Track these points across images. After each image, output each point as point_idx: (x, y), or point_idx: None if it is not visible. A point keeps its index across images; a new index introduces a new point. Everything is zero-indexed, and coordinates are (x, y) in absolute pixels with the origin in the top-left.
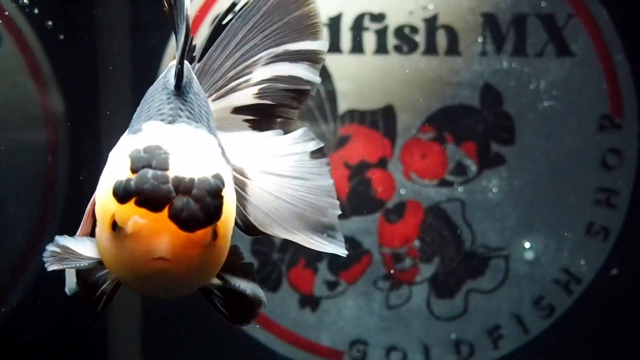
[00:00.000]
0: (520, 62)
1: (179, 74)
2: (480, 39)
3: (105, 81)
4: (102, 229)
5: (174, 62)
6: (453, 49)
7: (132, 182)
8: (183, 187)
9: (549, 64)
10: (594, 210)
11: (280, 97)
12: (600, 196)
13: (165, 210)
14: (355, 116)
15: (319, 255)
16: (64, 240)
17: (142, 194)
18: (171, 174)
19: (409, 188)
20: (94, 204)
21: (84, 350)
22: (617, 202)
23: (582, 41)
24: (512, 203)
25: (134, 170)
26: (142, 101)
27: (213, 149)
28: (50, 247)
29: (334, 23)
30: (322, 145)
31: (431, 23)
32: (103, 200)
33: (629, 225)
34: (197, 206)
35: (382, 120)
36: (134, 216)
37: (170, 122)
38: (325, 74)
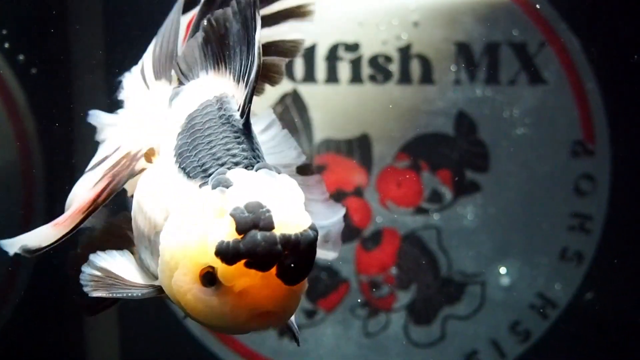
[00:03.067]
0: (493, 90)
1: (248, 110)
2: (453, 68)
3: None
4: (188, 281)
5: (226, 92)
6: (427, 77)
7: (242, 245)
8: (290, 245)
9: (522, 92)
10: (568, 235)
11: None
12: (574, 222)
13: (273, 268)
14: (330, 145)
15: None
16: (100, 260)
17: (254, 258)
18: (277, 232)
19: (385, 216)
20: (88, 201)
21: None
22: (591, 227)
23: (554, 69)
24: (487, 229)
25: (240, 232)
26: (189, 130)
27: (299, 195)
28: (88, 271)
29: (309, 53)
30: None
31: (405, 52)
32: (189, 252)
33: (602, 250)
34: (303, 261)
35: (357, 149)
36: (243, 276)
37: (249, 167)
38: (300, 103)
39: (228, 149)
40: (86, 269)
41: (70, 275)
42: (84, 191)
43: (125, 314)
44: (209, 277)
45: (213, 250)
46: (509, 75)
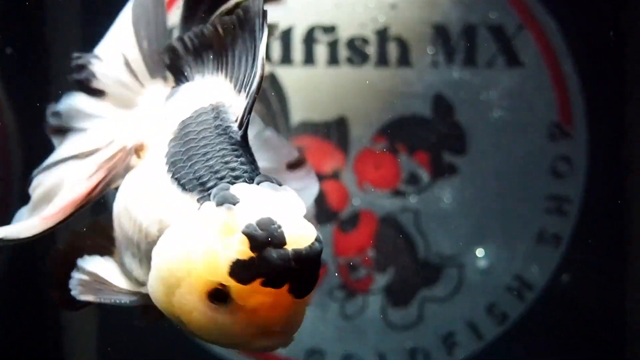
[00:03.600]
0: (470, 72)
1: (247, 122)
2: (431, 50)
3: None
4: (194, 299)
5: (223, 101)
6: (404, 60)
7: (258, 264)
8: (302, 260)
9: (499, 74)
10: (545, 217)
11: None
12: (551, 204)
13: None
14: (308, 128)
15: None
16: (88, 264)
17: (270, 276)
18: (289, 247)
19: (362, 198)
20: (82, 194)
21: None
22: (568, 209)
23: (531, 51)
24: (464, 212)
25: (254, 250)
26: (182, 137)
27: (302, 206)
28: (77, 275)
29: (286, 35)
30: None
31: (382, 35)
32: (196, 270)
33: (579, 232)
34: (313, 274)
35: (334, 131)
36: (257, 294)
37: (249, 181)
38: (277, 86)
39: (226, 162)
40: (75, 274)
41: (53, 272)
42: (75, 182)
43: (104, 311)
44: (218, 295)
45: (226, 269)
46: (487, 58)
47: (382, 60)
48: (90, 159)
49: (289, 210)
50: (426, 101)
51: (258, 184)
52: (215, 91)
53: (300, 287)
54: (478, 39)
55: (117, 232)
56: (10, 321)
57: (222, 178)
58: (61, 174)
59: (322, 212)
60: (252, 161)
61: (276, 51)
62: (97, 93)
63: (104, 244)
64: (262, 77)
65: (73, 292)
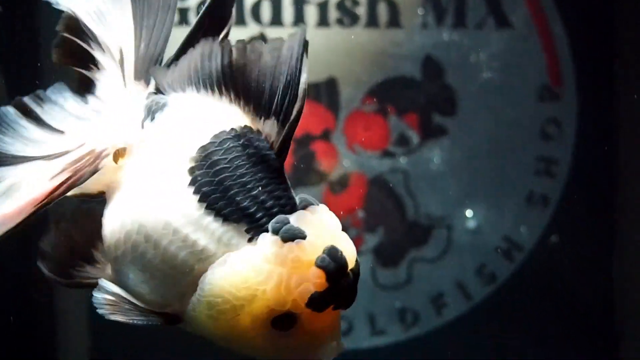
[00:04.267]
0: (460, 34)
1: (287, 151)
2: (421, 11)
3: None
4: (258, 326)
5: (248, 126)
6: (394, 21)
7: (331, 293)
8: (357, 279)
9: (489, 36)
10: (534, 179)
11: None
12: (540, 165)
13: None
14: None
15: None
16: (110, 285)
17: (341, 302)
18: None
19: (352, 160)
20: (43, 194)
21: (31, 350)
22: (556, 171)
23: (521, 13)
24: (453, 173)
25: (329, 281)
26: (210, 166)
27: (338, 222)
28: (100, 295)
29: None
30: None
31: None
32: (263, 300)
33: (567, 194)
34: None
35: (325, 92)
36: (323, 317)
37: (304, 208)
38: None
39: (270, 191)
40: (97, 294)
41: (41, 252)
42: (37, 182)
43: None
44: (284, 322)
45: (303, 301)
46: (476, 20)
47: (372, 21)
48: (58, 161)
49: (337, 232)
50: (416, 63)
51: (304, 208)
52: (230, 114)
53: (349, 303)
54: (468, 0)
55: (117, 251)
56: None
57: (269, 208)
58: (27, 171)
59: (312, 174)
60: (290, 186)
61: (266, 12)
62: (88, 85)
63: (93, 230)
64: (302, 107)
65: (101, 312)
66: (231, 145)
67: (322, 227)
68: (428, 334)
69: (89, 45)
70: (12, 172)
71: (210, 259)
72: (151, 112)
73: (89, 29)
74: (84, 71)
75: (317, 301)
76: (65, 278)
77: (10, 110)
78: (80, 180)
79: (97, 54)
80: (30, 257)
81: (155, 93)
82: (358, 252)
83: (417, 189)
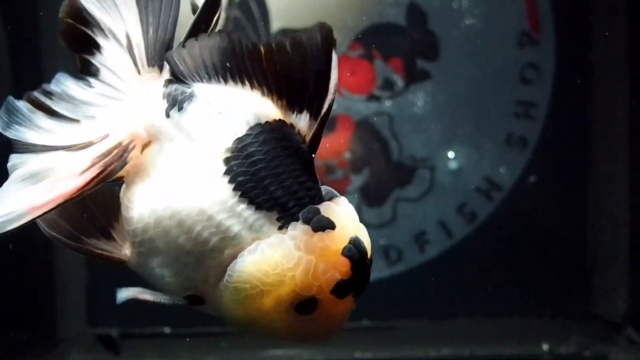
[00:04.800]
0: None
1: (318, 144)
2: None
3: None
4: (282, 309)
5: (283, 120)
6: None
7: (355, 281)
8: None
9: None
10: (513, 122)
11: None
12: (519, 109)
13: None
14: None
15: None
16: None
17: (360, 289)
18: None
19: (339, 103)
20: (74, 188)
21: (31, 320)
22: (535, 114)
23: None
24: (436, 116)
25: (353, 270)
26: (245, 157)
27: (355, 213)
28: (125, 293)
29: None
30: None
31: None
32: (290, 285)
33: (545, 136)
34: None
35: None
36: (342, 303)
37: (329, 199)
38: None
39: (301, 182)
40: (121, 293)
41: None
42: (67, 176)
43: (92, 280)
44: (306, 306)
45: (328, 288)
46: None
47: None
48: (84, 153)
49: (358, 223)
50: (401, 9)
51: (329, 199)
52: (264, 108)
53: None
54: None
55: (145, 234)
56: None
57: (300, 198)
58: (51, 161)
59: None
60: (317, 177)
61: None
62: (93, 71)
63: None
64: (332, 102)
65: (129, 293)
66: (267, 137)
67: (347, 219)
68: (411, 271)
69: (92, 30)
70: (34, 159)
71: (241, 245)
72: (178, 102)
73: (90, 14)
74: (87, 56)
75: (341, 288)
76: (74, 241)
77: (22, 104)
78: (110, 176)
79: (100, 39)
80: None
81: (172, 80)
82: (345, 193)
83: (401, 132)
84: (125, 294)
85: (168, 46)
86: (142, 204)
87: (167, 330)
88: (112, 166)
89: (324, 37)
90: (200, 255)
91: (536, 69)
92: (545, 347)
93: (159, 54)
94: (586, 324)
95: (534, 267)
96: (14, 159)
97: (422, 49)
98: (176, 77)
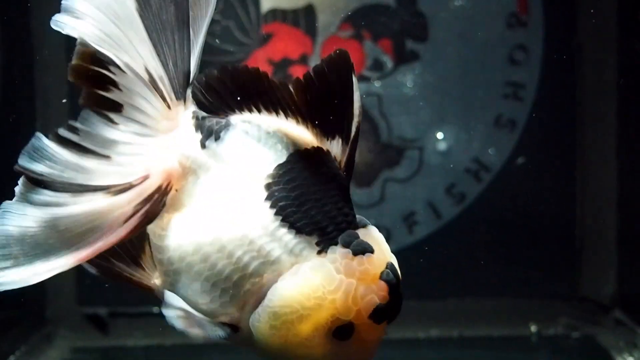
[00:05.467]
0: None
1: (352, 169)
2: None
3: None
4: (320, 335)
5: (320, 146)
6: None
7: (391, 306)
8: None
9: None
10: (502, 103)
11: None
12: (508, 90)
13: None
14: (277, 14)
15: None
16: (173, 298)
17: (394, 316)
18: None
19: None
20: (118, 238)
21: (20, 299)
22: (524, 95)
23: None
24: (425, 97)
25: (391, 295)
26: (287, 182)
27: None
28: (172, 311)
29: None
30: None
31: None
32: (329, 310)
33: (534, 117)
34: None
35: (303, 18)
36: (378, 328)
37: (364, 226)
38: None
39: (339, 208)
40: (168, 310)
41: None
42: (111, 226)
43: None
44: (343, 331)
45: (367, 312)
46: None
47: None
48: (125, 198)
49: (389, 250)
50: None
51: (364, 226)
52: (300, 135)
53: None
54: None
55: (181, 262)
56: None
57: (339, 224)
58: (92, 205)
59: None
60: (352, 203)
61: None
62: (115, 108)
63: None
64: (359, 124)
65: (177, 326)
66: (306, 164)
67: (382, 244)
68: (399, 251)
69: (107, 68)
70: (72, 200)
71: (281, 270)
72: (214, 132)
73: (103, 54)
74: (101, 92)
75: (379, 313)
76: (105, 263)
77: (48, 142)
78: (152, 220)
79: (117, 77)
80: None
81: (201, 113)
82: None
83: (390, 112)
84: (175, 323)
85: (188, 78)
86: (179, 233)
87: (155, 309)
88: (153, 212)
89: (343, 63)
90: (240, 281)
91: (525, 50)
92: (533, 328)
93: (183, 86)
94: (574, 305)
95: (523, 248)
96: (49, 196)
97: (412, 30)
98: (205, 109)
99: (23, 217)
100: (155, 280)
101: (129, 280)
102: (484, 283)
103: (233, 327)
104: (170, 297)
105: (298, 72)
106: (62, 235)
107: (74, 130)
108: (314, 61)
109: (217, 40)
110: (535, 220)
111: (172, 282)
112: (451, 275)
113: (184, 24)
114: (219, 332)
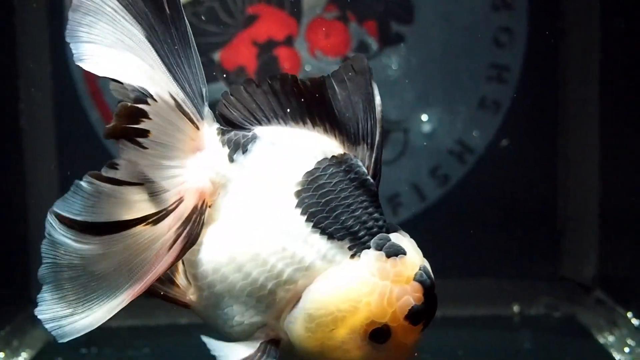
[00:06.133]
0: None
1: (380, 174)
2: None
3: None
4: (357, 338)
5: (346, 153)
6: None
7: (427, 307)
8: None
9: None
10: (486, 85)
11: None
12: (492, 72)
13: None
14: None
15: None
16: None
17: (430, 318)
18: None
19: (314, 65)
20: (166, 266)
21: (4, 280)
22: (508, 78)
23: None
24: (410, 79)
25: (425, 296)
26: (316, 189)
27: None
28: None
29: None
30: None
31: None
32: (364, 312)
33: (518, 99)
34: None
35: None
36: (414, 331)
37: (394, 231)
38: None
39: (369, 213)
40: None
41: None
42: (157, 254)
43: None
44: (380, 334)
45: (402, 313)
46: None
47: None
48: (164, 225)
49: (420, 252)
50: None
51: (394, 231)
52: (327, 143)
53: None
54: None
55: (215, 274)
56: None
57: (370, 228)
58: (135, 240)
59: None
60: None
61: None
62: (144, 134)
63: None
64: (383, 129)
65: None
66: (334, 170)
67: (414, 247)
68: None
69: (145, 102)
70: (116, 239)
71: (315, 274)
72: (241, 145)
73: (136, 88)
74: (137, 125)
75: (415, 314)
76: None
77: (85, 184)
78: (195, 241)
79: (151, 107)
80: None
81: (225, 128)
82: None
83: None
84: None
85: (203, 96)
86: (212, 245)
87: None
88: (195, 233)
89: (361, 68)
90: (274, 288)
91: (509, 32)
92: (515, 308)
93: (201, 105)
94: (556, 285)
95: (505, 229)
96: (93, 240)
97: (397, 12)
98: (231, 124)
99: (74, 267)
100: (191, 296)
101: (164, 298)
102: (467, 264)
103: (275, 342)
104: (208, 341)
105: (283, 53)
106: (113, 276)
107: (114, 166)
108: (299, 42)
109: (202, 21)
110: (518, 201)
111: (208, 296)
112: (434, 256)
113: (187, 44)
114: (271, 356)
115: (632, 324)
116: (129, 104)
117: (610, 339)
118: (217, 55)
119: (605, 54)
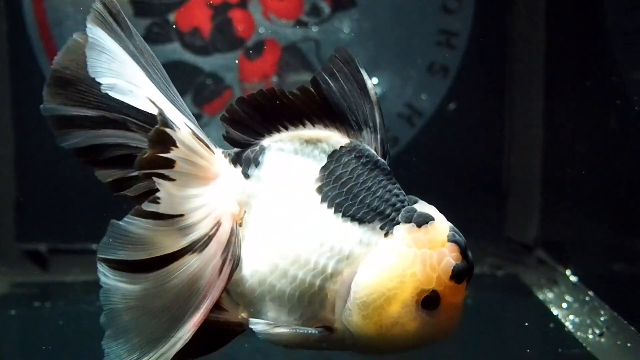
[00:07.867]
0: None
1: (389, 151)
2: None
3: None
4: (410, 310)
5: (354, 141)
6: None
7: (467, 265)
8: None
9: None
10: (435, 50)
11: None
12: (441, 37)
13: None
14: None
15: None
16: (256, 321)
17: (471, 273)
18: None
19: (267, 27)
20: (220, 290)
21: None
22: (456, 43)
23: None
24: (361, 43)
25: (463, 253)
26: (335, 181)
27: None
28: (260, 327)
29: None
30: None
31: None
32: (411, 283)
33: (465, 65)
34: None
35: None
36: (460, 290)
37: (415, 202)
38: None
39: (389, 190)
40: (256, 326)
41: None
42: (210, 283)
43: (21, 195)
44: (430, 301)
45: (446, 274)
46: None
47: None
48: (210, 251)
49: (444, 217)
50: None
51: (415, 202)
52: (333, 136)
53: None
54: None
55: (261, 286)
56: None
57: (394, 204)
58: (184, 271)
59: (229, 40)
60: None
61: None
62: (169, 164)
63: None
64: (380, 109)
65: (277, 339)
66: (347, 159)
67: (438, 213)
68: None
69: (172, 129)
70: (171, 273)
71: (357, 261)
72: (252, 160)
73: (168, 119)
74: (166, 155)
75: (458, 272)
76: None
77: (126, 225)
78: (239, 262)
79: (176, 134)
80: None
81: (229, 151)
82: None
83: (327, 57)
84: (275, 327)
85: (200, 127)
86: (250, 260)
87: (94, 246)
88: (237, 254)
89: (346, 58)
90: (323, 283)
91: None
92: None
93: (199, 129)
94: (499, 245)
95: (452, 191)
96: (145, 279)
97: None
98: (237, 144)
99: (133, 308)
100: (242, 314)
101: (214, 324)
102: None
103: (327, 329)
104: (254, 322)
105: (237, 15)
106: (171, 310)
107: (156, 200)
108: (253, 5)
109: None
110: (464, 164)
111: (259, 310)
112: None
113: (170, 83)
114: (312, 331)
115: (570, 282)
116: (161, 128)
117: (550, 295)
118: (172, 16)
119: (551, 19)
